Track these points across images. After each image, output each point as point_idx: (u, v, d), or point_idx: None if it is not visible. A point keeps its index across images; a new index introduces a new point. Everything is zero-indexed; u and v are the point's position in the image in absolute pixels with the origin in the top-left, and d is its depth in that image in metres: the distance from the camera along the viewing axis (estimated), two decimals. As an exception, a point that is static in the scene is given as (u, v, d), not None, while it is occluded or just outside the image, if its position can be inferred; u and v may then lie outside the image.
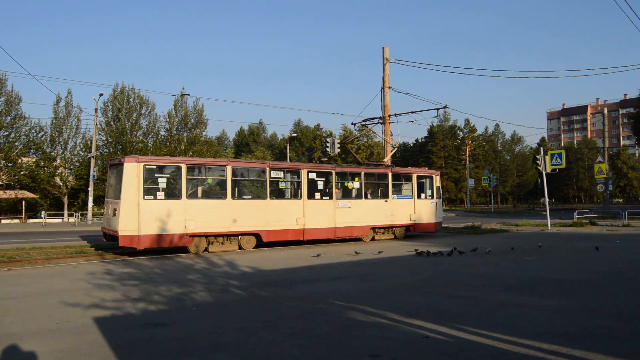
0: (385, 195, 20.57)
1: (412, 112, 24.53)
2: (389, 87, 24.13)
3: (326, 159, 22.14)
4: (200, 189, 16.47)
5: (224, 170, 16.49)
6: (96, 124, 42.30)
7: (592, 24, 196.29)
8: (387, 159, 23.36)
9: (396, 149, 24.24)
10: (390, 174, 20.67)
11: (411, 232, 21.76)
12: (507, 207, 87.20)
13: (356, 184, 19.81)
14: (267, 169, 17.43)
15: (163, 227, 15.19)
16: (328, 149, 33.14)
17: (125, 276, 10.98)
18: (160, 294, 8.78)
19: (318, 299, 8.17)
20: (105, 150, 46.53)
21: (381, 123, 24.57)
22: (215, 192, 16.90)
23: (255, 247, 17.18)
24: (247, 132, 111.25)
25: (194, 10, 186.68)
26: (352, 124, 26.02)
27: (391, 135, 24.86)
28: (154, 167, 15.52)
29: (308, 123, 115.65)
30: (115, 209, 14.97)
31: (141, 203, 14.86)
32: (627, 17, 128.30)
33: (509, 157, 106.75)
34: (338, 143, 33.45)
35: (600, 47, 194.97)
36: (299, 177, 18.24)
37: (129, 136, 46.11)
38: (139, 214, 14.80)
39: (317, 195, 18.58)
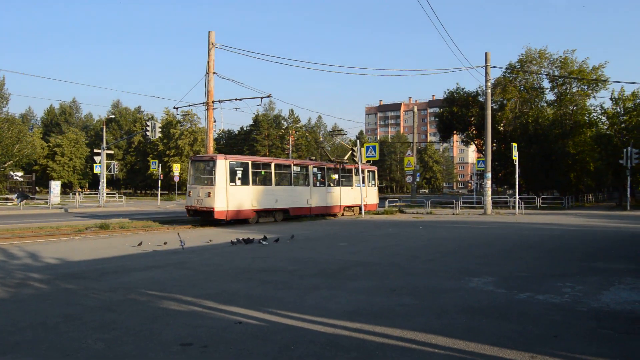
0: (351, 184, 28.80)
1: (236, 100, 24.66)
2: (214, 73, 23.77)
3: (316, 158, 26.50)
4: (258, 179, 22.83)
5: (270, 166, 23.43)
6: None
7: (406, 29, 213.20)
8: (346, 158, 31.60)
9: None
10: (354, 169, 29.03)
11: (362, 211, 29.01)
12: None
13: (336, 176, 27.70)
14: (292, 165, 24.82)
15: (240, 205, 21.53)
16: (148, 133, 31.80)
17: None
18: (-59, 291, 7.69)
19: (130, 290, 7.80)
20: None
21: (205, 109, 24.15)
22: (266, 180, 23.23)
23: (282, 220, 24.15)
24: (58, 111, 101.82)
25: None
26: (175, 108, 26.45)
27: (214, 121, 24.60)
28: (234, 162, 21.76)
29: (128, 105, 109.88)
30: (209, 192, 20.73)
31: (228, 188, 20.98)
32: (436, 29, 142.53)
33: (329, 148, 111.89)
34: (159, 127, 32.27)
35: (413, 50, 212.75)
36: (307, 170, 25.68)
37: None
38: (227, 195, 20.91)
39: (318, 183, 26.30)
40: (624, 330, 5.74)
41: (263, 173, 23.06)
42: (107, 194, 49.01)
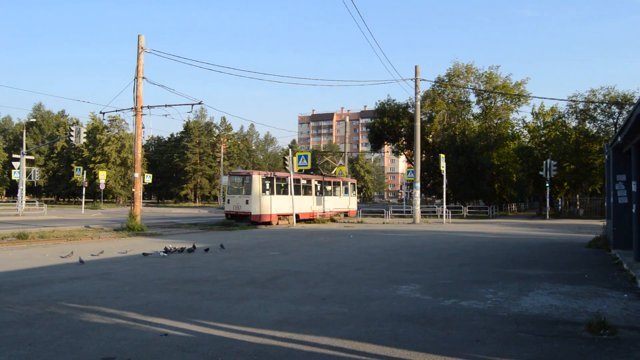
0: (339, 194, 36.17)
1: (166, 106, 23.97)
2: (143, 78, 23.14)
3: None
4: (278, 190, 28.86)
5: (287, 179, 29.07)
6: None
7: (340, 41, 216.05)
8: (334, 172, 40.09)
9: (339, 166, 37.52)
10: (341, 182, 37.08)
11: (347, 215, 36.89)
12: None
13: (330, 187, 34.79)
14: (301, 178, 30.96)
15: (269, 210, 27.43)
16: (73, 139, 30.54)
17: None
18: None
19: (49, 302, 7.43)
20: None
21: (133, 114, 23.46)
22: (284, 191, 29.33)
23: (296, 222, 29.16)
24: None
25: None
26: (101, 113, 25.68)
27: (143, 128, 23.93)
28: (264, 177, 27.82)
29: (51, 108, 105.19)
30: (247, 200, 26.79)
31: (261, 197, 27.03)
32: (368, 42, 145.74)
33: (262, 157, 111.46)
34: (85, 133, 31.08)
35: (346, 61, 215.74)
36: (310, 183, 31.99)
37: None
38: (260, 203, 26.96)
39: (317, 193, 32.78)
40: (541, 333, 6.02)
41: (282, 185, 29.27)
42: (27, 201, 46.61)
